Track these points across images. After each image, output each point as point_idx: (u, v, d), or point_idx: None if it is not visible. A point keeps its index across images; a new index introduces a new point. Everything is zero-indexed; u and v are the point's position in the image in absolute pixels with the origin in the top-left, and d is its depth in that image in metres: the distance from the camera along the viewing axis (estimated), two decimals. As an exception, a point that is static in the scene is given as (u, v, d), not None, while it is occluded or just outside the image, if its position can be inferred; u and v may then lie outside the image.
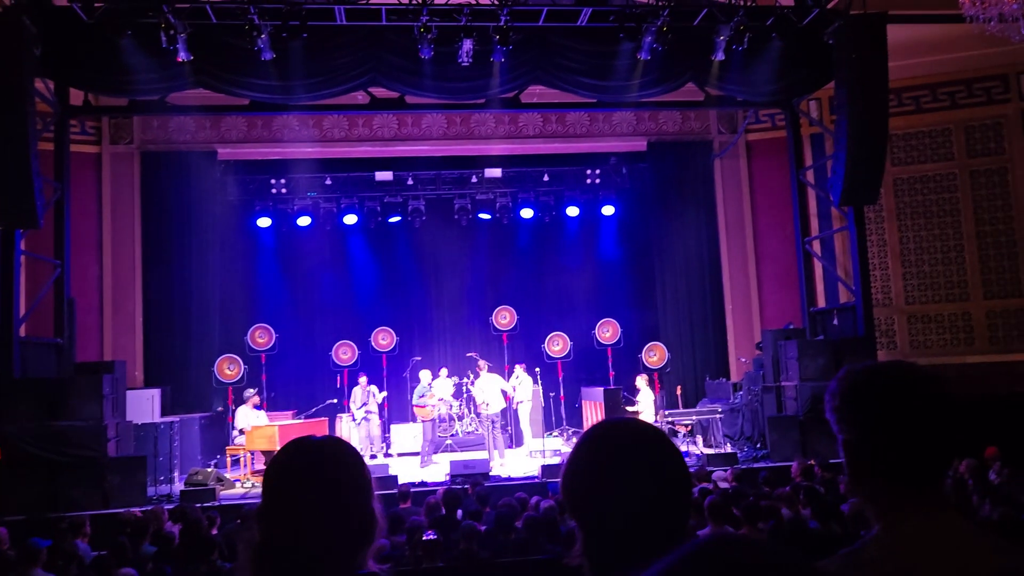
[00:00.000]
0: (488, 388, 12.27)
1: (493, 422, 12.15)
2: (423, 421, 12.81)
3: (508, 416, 14.35)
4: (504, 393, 12.75)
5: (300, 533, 1.40)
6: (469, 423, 14.30)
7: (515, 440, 13.97)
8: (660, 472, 1.27)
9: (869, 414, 1.33)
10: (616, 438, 1.32)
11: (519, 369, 13.52)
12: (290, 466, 1.49)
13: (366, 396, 13.08)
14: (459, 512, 7.19)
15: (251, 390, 12.34)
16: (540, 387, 13.62)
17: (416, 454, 13.31)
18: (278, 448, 9.66)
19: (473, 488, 8.30)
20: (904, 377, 1.34)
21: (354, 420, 12.97)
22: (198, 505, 8.67)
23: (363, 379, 13.29)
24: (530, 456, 12.69)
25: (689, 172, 15.27)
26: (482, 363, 12.86)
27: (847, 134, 10.91)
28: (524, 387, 13.35)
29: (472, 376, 13.53)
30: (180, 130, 14.11)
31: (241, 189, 15.13)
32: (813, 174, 13.84)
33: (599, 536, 1.25)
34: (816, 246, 13.78)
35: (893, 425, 1.31)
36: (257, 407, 12.13)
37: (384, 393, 13.42)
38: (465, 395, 14.18)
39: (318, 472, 1.46)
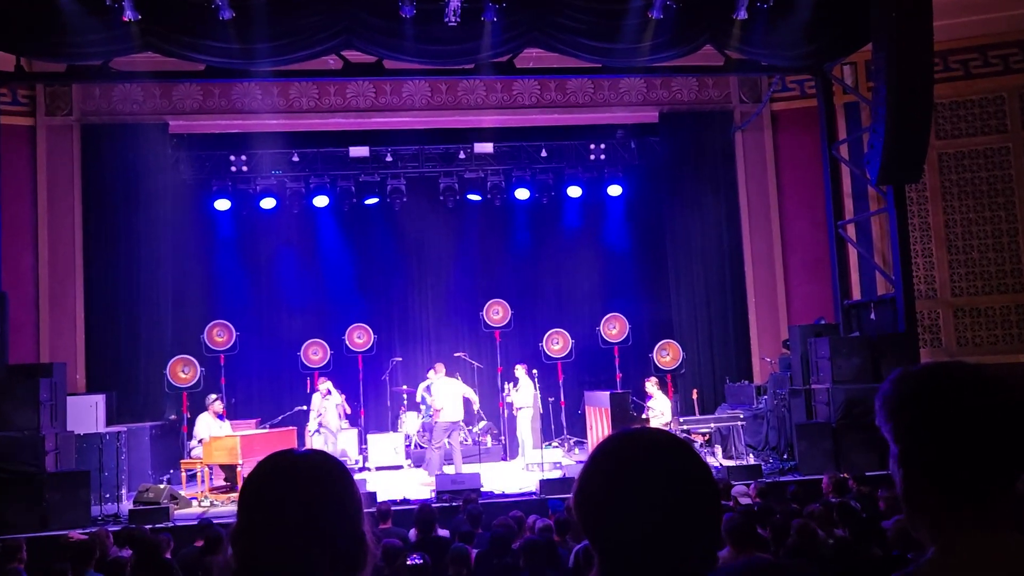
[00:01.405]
0: (445, 394, 12.25)
1: (448, 432, 12.10)
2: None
3: (502, 424, 14.39)
4: (467, 400, 12.78)
5: (281, 559, 1.41)
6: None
7: (510, 451, 14.00)
8: (685, 489, 1.28)
9: (926, 422, 1.32)
10: (635, 450, 1.32)
11: (520, 370, 13.53)
12: (269, 483, 1.49)
13: (321, 404, 12.95)
14: (439, 531, 7.21)
15: (213, 395, 12.31)
16: (538, 391, 13.64)
17: (397, 468, 13.34)
18: (240, 462, 9.61)
19: (464, 506, 8.30)
20: (966, 380, 1.33)
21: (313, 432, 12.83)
22: (148, 526, 8.64)
23: (323, 385, 13.12)
24: (527, 469, 12.70)
25: (707, 147, 15.28)
26: (438, 366, 12.87)
27: (886, 103, 10.90)
28: (524, 391, 13.35)
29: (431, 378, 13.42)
30: (126, 100, 14.02)
31: (196, 167, 15.06)
32: (847, 149, 13.84)
33: (617, 560, 1.26)
34: (851, 231, 13.79)
35: (954, 434, 1.30)
36: (220, 416, 12.10)
37: (340, 396, 13.20)
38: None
39: (300, 490, 1.46)
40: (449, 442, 12.13)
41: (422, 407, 14.22)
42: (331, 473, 1.50)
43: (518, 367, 13.69)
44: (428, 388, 13.46)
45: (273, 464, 1.52)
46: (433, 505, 8.74)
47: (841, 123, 14.31)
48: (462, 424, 14.10)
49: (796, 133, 15.03)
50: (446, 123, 15.10)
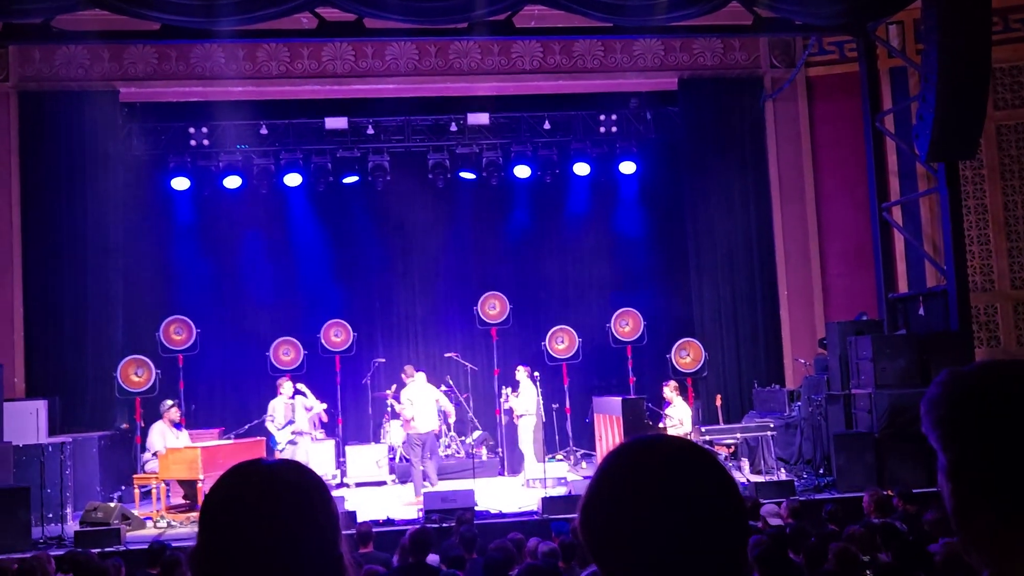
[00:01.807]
0: (417, 400, 12.24)
1: (423, 445, 12.14)
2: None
3: (500, 434, 14.39)
4: (441, 409, 12.78)
5: None
6: (448, 443, 14.34)
7: (509, 465, 14.02)
8: (707, 506, 1.27)
9: (979, 428, 1.32)
10: (650, 462, 1.32)
11: (520, 373, 13.52)
12: (234, 498, 1.49)
13: (290, 410, 12.92)
14: (431, 558, 7.23)
15: (169, 401, 12.32)
16: (540, 397, 13.65)
17: (380, 484, 13.36)
18: (200, 477, 9.63)
19: (458, 527, 8.32)
20: (1026, 380, 1.33)
21: (276, 445, 12.79)
22: (96, 551, 8.66)
23: (287, 386, 13.11)
24: (527, 486, 12.73)
25: (733, 118, 15.26)
26: (409, 369, 12.90)
27: (938, 68, 10.89)
28: (525, 396, 13.35)
29: (396, 387, 13.37)
30: (70, 63, 13.99)
31: (150, 140, 15.06)
32: (893, 120, 13.83)
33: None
34: (896, 214, 13.78)
35: (1010, 443, 1.29)
36: (176, 425, 12.11)
37: (317, 406, 13.14)
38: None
39: (270, 506, 1.46)
40: (423, 459, 12.16)
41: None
42: (305, 486, 1.50)
43: (518, 369, 13.68)
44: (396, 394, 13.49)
45: (238, 476, 1.51)
46: (421, 527, 8.75)
47: (886, 91, 14.29)
48: (454, 434, 14.17)
49: (835, 102, 15.00)
50: (435, 91, 15.08)
